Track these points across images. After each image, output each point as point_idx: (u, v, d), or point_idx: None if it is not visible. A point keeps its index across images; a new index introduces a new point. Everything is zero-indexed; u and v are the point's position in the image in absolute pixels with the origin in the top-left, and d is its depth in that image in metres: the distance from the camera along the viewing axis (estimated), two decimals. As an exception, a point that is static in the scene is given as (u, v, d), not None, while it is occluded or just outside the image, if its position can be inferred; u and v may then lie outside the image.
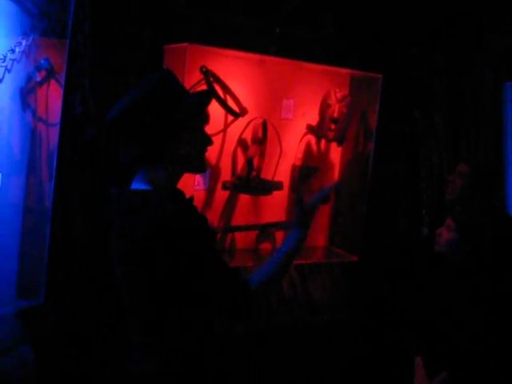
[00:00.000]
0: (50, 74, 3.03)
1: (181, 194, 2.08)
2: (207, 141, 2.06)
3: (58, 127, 3.02)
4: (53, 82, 3.05)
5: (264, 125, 3.86)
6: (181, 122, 1.95)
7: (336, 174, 4.38)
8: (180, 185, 2.11)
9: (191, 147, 1.99)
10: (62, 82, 3.02)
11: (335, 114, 3.95)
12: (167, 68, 2.07)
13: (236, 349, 3.56)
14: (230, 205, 3.93)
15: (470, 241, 2.95)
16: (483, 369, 2.74)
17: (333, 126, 3.97)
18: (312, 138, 4.18)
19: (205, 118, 2.13)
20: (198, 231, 1.88)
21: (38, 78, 2.99)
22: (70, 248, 3.17)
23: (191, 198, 2.05)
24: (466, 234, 2.96)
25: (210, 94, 2.20)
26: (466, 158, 4.35)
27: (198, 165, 2.07)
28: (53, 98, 3.06)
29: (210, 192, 3.82)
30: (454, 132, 4.74)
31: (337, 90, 3.99)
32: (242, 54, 3.67)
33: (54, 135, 3.04)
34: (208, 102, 2.11)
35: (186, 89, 2.10)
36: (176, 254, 1.82)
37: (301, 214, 2.20)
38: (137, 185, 2.00)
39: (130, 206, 1.92)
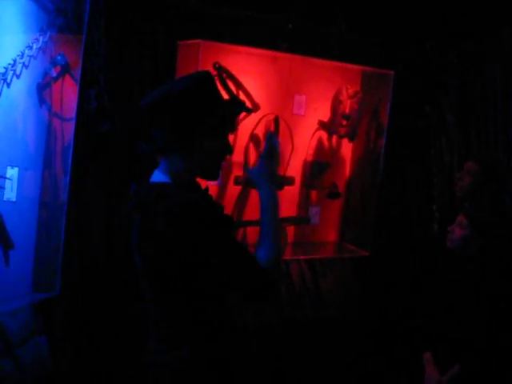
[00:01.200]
0: (66, 69, 3.06)
1: (197, 185, 2.12)
2: (228, 149, 2.10)
3: (73, 122, 3.06)
4: (68, 77, 3.08)
5: (276, 120, 3.88)
6: (210, 120, 1.98)
7: (347, 169, 4.40)
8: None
9: (211, 149, 2.01)
10: (78, 78, 3.05)
11: (347, 110, 3.97)
12: (208, 71, 2.10)
13: (249, 342, 3.59)
14: (242, 200, 3.95)
15: (482, 237, 2.98)
16: (495, 361, 2.76)
17: (344, 122, 3.99)
18: (323, 134, 4.21)
19: (233, 126, 2.17)
20: (216, 218, 1.91)
21: (54, 74, 3.02)
22: (84, 241, 3.21)
23: (207, 188, 2.09)
24: (478, 230, 2.98)
25: (243, 105, 2.23)
26: (474, 156, 4.35)
27: (212, 170, 2.09)
28: (68, 93, 3.09)
29: (223, 187, 3.85)
30: (466, 129, 4.74)
31: (348, 87, 4.01)
32: (254, 50, 3.70)
33: (69, 130, 3.08)
34: (240, 112, 2.20)
35: (220, 93, 2.12)
36: (195, 242, 1.86)
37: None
38: (157, 177, 2.04)
39: (148, 197, 1.95)
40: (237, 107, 2.16)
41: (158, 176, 2.04)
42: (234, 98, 2.22)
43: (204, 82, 2.02)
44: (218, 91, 2.07)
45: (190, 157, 2.00)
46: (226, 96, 3.63)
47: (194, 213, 1.87)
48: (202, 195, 2.00)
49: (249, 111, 3.75)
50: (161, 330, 2.03)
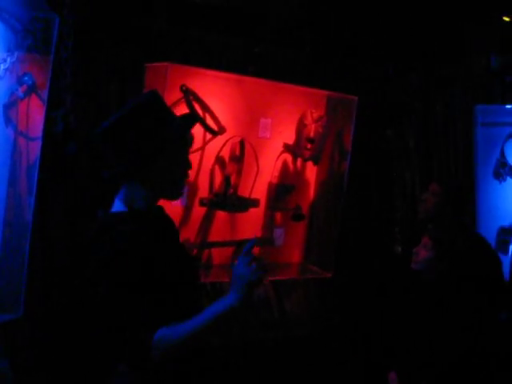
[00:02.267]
0: (32, 89, 3.05)
1: (158, 209, 2.14)
2: (187, 164, 2.08)
3: (39, 141, 3.04)
4: (35, 97, 3.07)
5: (242, 143, 3.91)
6: (164, 141, 1.97)
7: (311, 192, 4.44)
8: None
9: (171, 168, 2.01)
10: (44, 98, 3.04)
11: (311, 134, 4.01)
12: (154, 90, 2.10)
13: (212, 363, 3.58)
14: (207, 221, 3.97)
15: (446, 258, 3.04)
16: (459, 381, 2.82)
17: (309, 146, 4.03)
18: (288, 157, 4.25)
19: (188, 142, 2.16)
20: (129, 273, 1.86)
21: (21, 94, 3.00)
22: (48, 262, 3.19)
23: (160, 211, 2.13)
24: (442, 251, 3.05)
25: (195, 117, 2.23)
26: (437, 178, 4.44)
27: (174, 189, 2.08)
28: (34, 113, 3.07)
29: (188, 208, 3.85)
30: (427, 152, 4.83)
31: (313, 111, 4.06)
32: (221, 73, 3.74)
33: (34, 149, 3.06)
34: (192, 125, 2.14)
35: (171, 111, 2.13)
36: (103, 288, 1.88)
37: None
38: (115, 206, 2.04)
39: (96, 231, 1.98)
40: (187, 121, 2.12)
41: (116, 204, 2.04)
42: (184, 114, 2.20)
43: (150, 102, 2.01)
44: (166, 108, 2.06)
45: (149, 180, 1.99)
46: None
47: (108, 267, 1.86)
48: (134, 244, 1.92)
49: (215, 134, 3.78)
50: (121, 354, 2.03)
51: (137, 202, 2.01)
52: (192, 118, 2.20)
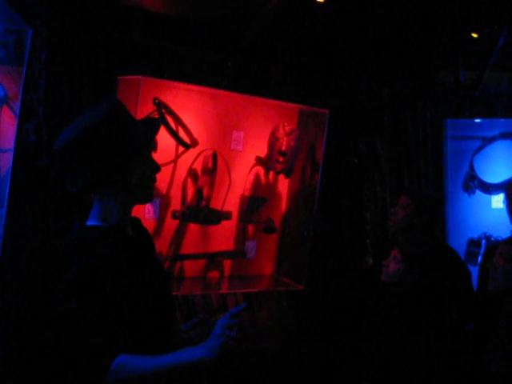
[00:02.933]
0: (4, 101, 3.03)
1: (133, 221, 2.13)
2: (156, 168, 2.08)
3: (11, 153, 3.02)
4: (6, 109, 3.06)
5: (214, 156, 3.93)
6: (130, 149, 1.96)
7: (283, 204, 4.47)
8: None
9: (140, 175, 2.01)
10: (17, 110, 3.03)
11: (283, 147, 4.03)
12: (114, 96, 2.08)
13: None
14: (180, 233, 3.97)
15: (415, 270, 3.08)
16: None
17: (281, 159, 4.05)
18: (261, 170, 4.27)
19: (153, 146, 2.15)
20: (99, 292, 1.83)
21: (-9, 105, 3.00)
22: (20, 275, 3.17)
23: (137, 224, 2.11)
24: (411, 263, 3.09)
25: (158, 121, 2.22)
26: (407, 190, 4.50)
27: (146, 193, 2.08)
28: (6, 124, 3.05)
29: (160, 221, 3.86)
30: (397, 165, 4.89)
31: (285, 124, 4.08)
32: (193, 86, 3.76)
33: (6, 162, 3.04)
34: (157, 130, 2.13)
35: (134, 117, 2.11)
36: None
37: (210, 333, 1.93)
38: (91, 219, 2.02)
39: (70, 244, 1.96)
40: (152, 126, 2.11)
41: (91, 218, 2.01)
42: (145, 118, 2.18)
43: (116, 110, 1.99)
44: (128, 116, 2.04)
45: (121, 188, 1.98)
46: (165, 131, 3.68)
47: (79, 284, 1.84)
48: (106, 261, 1.90)
49: (187, 146, 3.79)
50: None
51: (111, 215, 1.99)
52: (155, 122, 2.18)
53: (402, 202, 3.80)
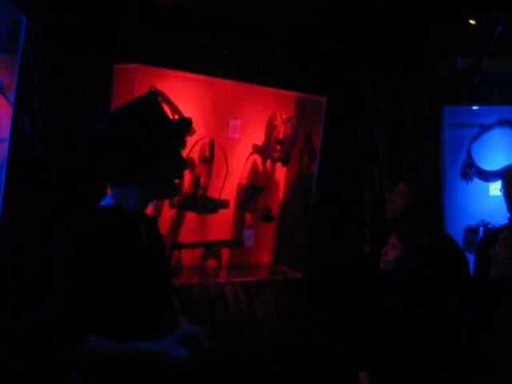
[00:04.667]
0: (-1, 90, 3.03)
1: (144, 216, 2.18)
2: (184, 164, 2.14)
3: (6, 143, 3.01)
4: (1, 98, 3.04)
5: (211, 144, 3.92)
6: (161, 143, 2.02)
7: (281, 193, 4.46)
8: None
9: (167, 169, 2.06)
10: (12, 99, 3.01)
11: (280, 135, 4.03)
12: (153, 93, 2.15)
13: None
14: (177, 222, 3.97)
15: (414, 258, 3.07)
16: (430, 379, 2.85)
17: (278, 147, 4.05)
18: (258, 158, 4.26)
19: (183, 143, 2.20)
20: (84, 265, 1.89)
21: (-13, 95, 2.98)
22: (17, 264, 3.16)
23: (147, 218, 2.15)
24: (410, 251, 3.08)
25: (190, 121, 2.25)
26: (405, 178, 4.48)
27: (170, 188, 2.13)
28: (1, 114, 3.03)
29: (157, 210, 3.84)
30: (395, 153, 4.88)
31: (282, 112, 4.08)
32: (190, 74, 3.74)
33: (2, 151, 3.02)
34: (188, 129, 2.25)
35: (167, 114, 2.17)
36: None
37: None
38: (106, 200, 2.08)
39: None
40: (183, 123, 2.20)
41: (105, 200, 2.08)
42: (182, 118, 2.27)
43: (151, 105, 2.06)
44: (164, 111, 2.12)
45: (144, 179, 2.03)
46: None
47: (66, 254, 1.91)
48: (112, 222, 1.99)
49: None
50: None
51: (127, 201, 2.04)
52: (187, 121, 2.22)
53: (399, 189, 3.79)
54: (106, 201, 2.08)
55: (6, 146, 3.00)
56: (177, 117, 3.73)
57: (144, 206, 2.14)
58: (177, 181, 2.15)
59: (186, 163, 2.17)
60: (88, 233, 1.92)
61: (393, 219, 3.81)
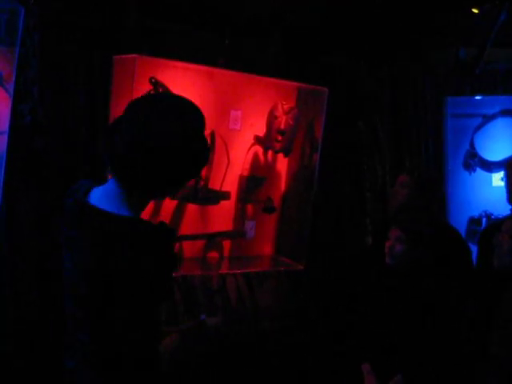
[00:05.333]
0: (-2, 81, 3.02)
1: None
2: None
3: (5, 135, 3.00)
4: (1, 89, 3.03)
5: (212, 135, 3.89)
6: (198, 172, 1.93)
7: (282, 184, 4.45)
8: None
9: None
10: (11, 90, 3.00)
11: (282, 126, 4.01)
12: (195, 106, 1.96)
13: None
14: (178, 214, 3.95)
15: (419, 248, 3.06)
16: (434, 370, 2.84)
17: (279, 138, 4.04)
18: (259, 149, 4.24)
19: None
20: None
21: (-15, 86, 2.97)
22: (16, 256, 3.15)
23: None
24: (415, 242, 3.06)
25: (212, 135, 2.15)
26: (407, 169, 4.46)
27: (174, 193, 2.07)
28: (1, 105, 3.03)
29: (158, 202, 3.83)
30: (397, 143, 4.86)
31: (284, 102, 4.06)
32: (191, 65, 3.72)
33: (1, 143, 3.02)
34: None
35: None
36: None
37: None
38: (117, 208, 1.81)
39: (114, 232, 1.77)
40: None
41: (117, 208, 1.82)
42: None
43: (200, 130, 1.89)
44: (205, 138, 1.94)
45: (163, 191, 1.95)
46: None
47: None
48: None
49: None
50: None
51: (140, 208, 1.87)
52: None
53: (401, 180, 3.77)
54: (120, 210, 1.83)
55: (5, 138, 3.00)
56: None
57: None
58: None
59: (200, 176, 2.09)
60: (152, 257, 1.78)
61: (395, 210, 3.79)
